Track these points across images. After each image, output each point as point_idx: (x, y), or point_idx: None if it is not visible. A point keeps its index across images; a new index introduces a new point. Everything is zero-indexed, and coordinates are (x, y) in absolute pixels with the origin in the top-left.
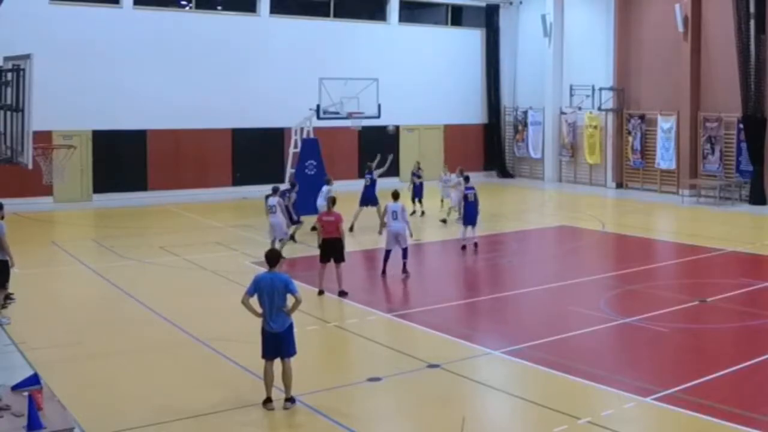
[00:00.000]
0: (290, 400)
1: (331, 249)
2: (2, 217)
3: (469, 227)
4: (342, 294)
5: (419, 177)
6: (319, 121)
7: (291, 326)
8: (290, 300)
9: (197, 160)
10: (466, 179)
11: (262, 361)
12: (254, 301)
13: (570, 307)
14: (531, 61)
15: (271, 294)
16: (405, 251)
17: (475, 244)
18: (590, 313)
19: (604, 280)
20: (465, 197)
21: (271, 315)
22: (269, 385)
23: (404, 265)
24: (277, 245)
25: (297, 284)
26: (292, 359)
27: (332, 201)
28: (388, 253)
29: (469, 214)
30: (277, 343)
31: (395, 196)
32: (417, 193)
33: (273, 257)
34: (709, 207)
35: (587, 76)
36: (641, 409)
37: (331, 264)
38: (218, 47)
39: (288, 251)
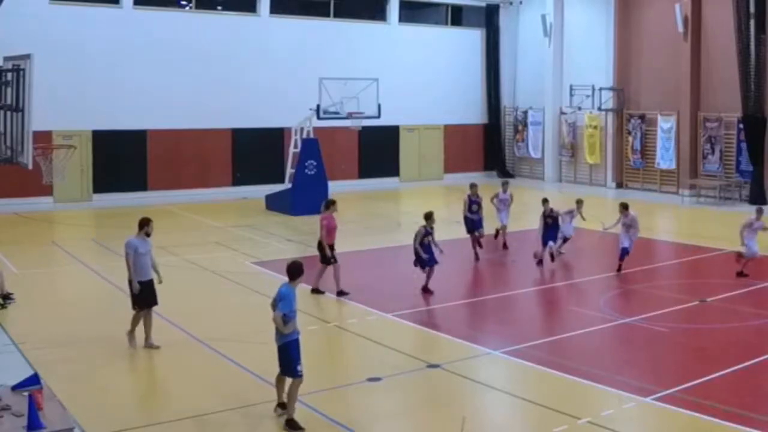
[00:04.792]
0: (288, 422)
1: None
2: (148, 234)
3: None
4: (340, 294)
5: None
6: (319, 121)
7: (285, 345)
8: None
9: (197, 160)
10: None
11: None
12: None
13: (570, 307)
14: (531, 61)
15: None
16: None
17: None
18: (590, 313)
19: (604, 280)
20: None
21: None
22: (278, 392)
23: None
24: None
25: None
26: (296, 380)
27: (326, 204)
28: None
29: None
30: (278, 358)
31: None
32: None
33: (288, 270)
34: (709, 207)
35: (587, 76)
36: (641, 409)
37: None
38: (218, 47)
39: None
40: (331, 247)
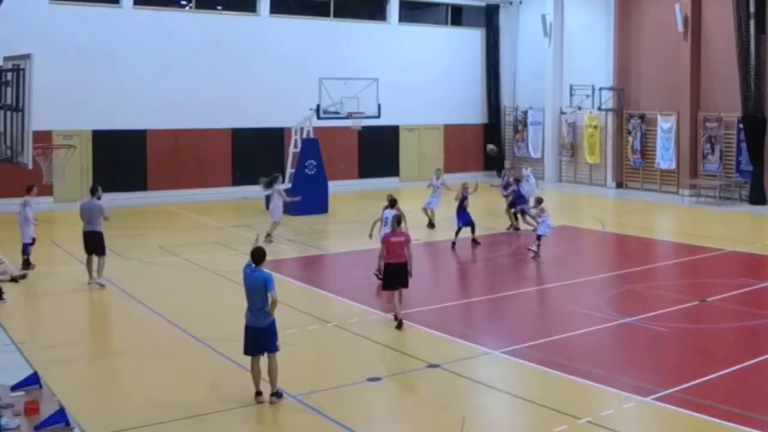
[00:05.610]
0: (276, 394)
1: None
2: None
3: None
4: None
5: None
6: (319, 121)
7: (273, 323)
8: (270, 298)
9: (197, 160)
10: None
11: (261, 361)
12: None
13: (570, 307)
14: (531, 61)
15: (251, 290)
16: None
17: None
18: (590, 313)
19: (604, 280)
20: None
21: (252, 311)
22: (256, 380)
23: None
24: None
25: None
26: (277, 354)
27: (398, 220)
28: None
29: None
30: (258, 339)
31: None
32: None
33: (253, 254)
34: (709, 207)
35: (587, 76)
36: (641, 409)
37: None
38: (218, 47)
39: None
40: (393, 267)
